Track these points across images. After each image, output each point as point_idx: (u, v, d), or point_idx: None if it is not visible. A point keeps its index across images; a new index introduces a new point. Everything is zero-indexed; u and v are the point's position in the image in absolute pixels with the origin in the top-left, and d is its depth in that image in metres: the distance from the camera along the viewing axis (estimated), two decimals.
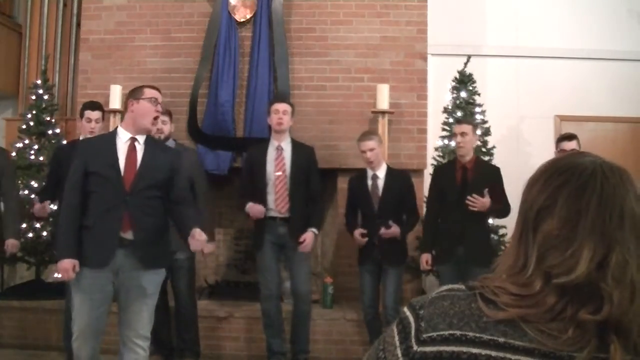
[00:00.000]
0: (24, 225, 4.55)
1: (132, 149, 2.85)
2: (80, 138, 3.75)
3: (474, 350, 0.77)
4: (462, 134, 3.73)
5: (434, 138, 4.90)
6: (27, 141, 4.81)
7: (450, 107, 4.82)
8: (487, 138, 4.74)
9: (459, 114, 4.75)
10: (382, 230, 3.70)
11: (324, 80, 4.70)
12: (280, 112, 3.84)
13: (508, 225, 4.40)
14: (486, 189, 3.61)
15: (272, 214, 3.81)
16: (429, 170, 4.80)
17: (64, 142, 4.87)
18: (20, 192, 4.61)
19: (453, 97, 4.83)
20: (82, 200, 2.80)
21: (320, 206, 3.97)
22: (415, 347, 0.81)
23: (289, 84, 4.60)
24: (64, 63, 5.78)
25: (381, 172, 3.86)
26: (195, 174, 3.88)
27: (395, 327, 0.86)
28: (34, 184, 4.64)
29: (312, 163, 3.96)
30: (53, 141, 4.84)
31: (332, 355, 4.24)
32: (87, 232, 2.77)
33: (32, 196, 4.59)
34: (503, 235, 4.52)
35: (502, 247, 4.39)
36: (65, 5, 5.78)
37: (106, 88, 4.70)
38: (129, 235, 2.78)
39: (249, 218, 3.91)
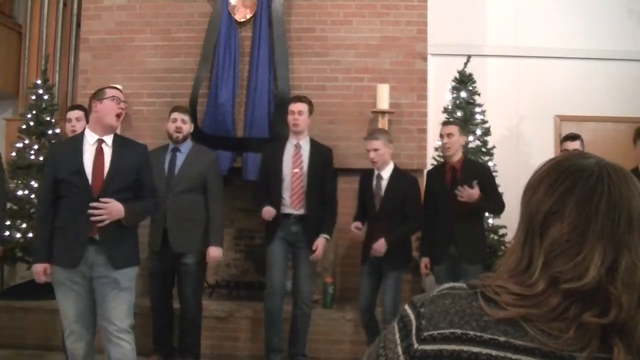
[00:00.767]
0: (23, 225, 4.55)
1: (99, 152, 2.90)
2: None
3: (475, 349, 0.77)
4: (449, 135, 3.75)
5: (434, 138, 4.89)
6: (27, 141, 4.81)
7: (450, 107, 4.82)
8: (487, 138, 4.74)
9: (459, 114, 4.75)
10: (372, 250, 3.65)
11: (324, 80, 4.70)
12: (296, 112, 3.85)
13: (508, 225, 4.40)
14: (475, 181, 3.61)
15: (287, 210, 3.81)
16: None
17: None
18: (20, 192, 4.62)
19: (453, 97, 4.83)
20: (55, 204, 2.88)
21: (334, 211, 3.96)
22: (416, 345, 0.81)
23: (289, 84, 4.60)
24: (64, 63, 5.78)
25: (386, 173, 3.80)
26: (211, 178, 3.86)
27: (396, 324, 0.86)
28: (34, 184, 4.64)
29: (329, 164, 3.96)
30: (53, 141, 4.84)
31: (332, 355, 4.24)
32: (59, 232, 2.87)
33: (32, 196, 4.61)
34: (503, 236, 4.52)
35: (502, 247, 4.39)
36: (65, 5, 5.78)
37: None
38: (96, 237, 2.85)
39: (261, 219, 3.91)
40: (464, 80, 4.83)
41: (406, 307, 0.86)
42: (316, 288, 4.51)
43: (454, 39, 5.31)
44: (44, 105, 4.92)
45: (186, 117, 3.91)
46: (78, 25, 5.44)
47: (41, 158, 4.71)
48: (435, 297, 0.84)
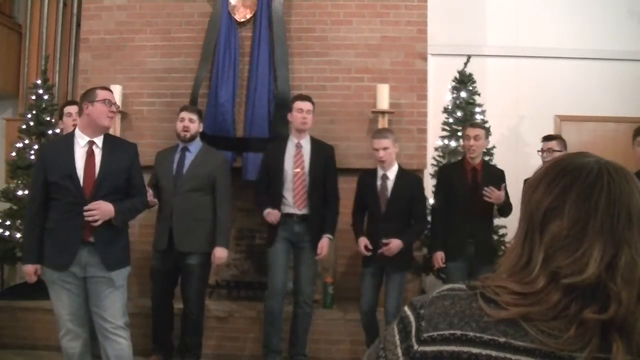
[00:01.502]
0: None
1: (90, 154, 2.89)
2: None
3: (475, 350, 0.77)
4: (476, 137, 3.84)
5: (434, 138, 4.90)
6: (27, 141, 4.81)
7: (450, 107, 4.83)
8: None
9: (459, 114, 4.75)
10: (383, 248, 3.59)
11: (324, 80, 4.70)
12: (305, 111, 3.84)
13: (508, 225, 4.41)
14: (503, 184, 3.73)
15: (289, 210, 3.81)
16: (429, 170, 4.80)
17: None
18: (20, 192, 4.62)
19: (453, 97, 4.83)
20: (45, 205, 2.89)
21: (337, 209, 3.94)
22: (415, 347, 0.81)
23: (289, 84, 4.60)
24: (64, 63, 5.78)
25: (392, 173, 3.77)
26: (220, 178, 3.85)
27: (395, 326, 0.86)
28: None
29: (330, 162, 3.95)
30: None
31: (332, 355, 4.24)
32: (50, 234, 2.87)
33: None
34: (503, 236, 4.52)
35: (502, 247, 4.39)
36: (65, 5, 5.78)
37: None
38: (90, 239, 2.85)
39: (264, 220, 3.91)
40: (464, 80, 4.83)
41: (406, 308, 0.86)
42: (316, 288, 4.51)
43: (454, 39, 5.31)
44: (44, 105, 4.92)
45: (194, 117, 3.90)
46: (78, 25, 5.44)
47: None
48: (435, 298, 0.84)
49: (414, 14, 4.71)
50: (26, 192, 4.62)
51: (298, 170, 3.82)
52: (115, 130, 4.52)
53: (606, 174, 0.80)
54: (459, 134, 4.74)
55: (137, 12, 4.83)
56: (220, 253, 3.79)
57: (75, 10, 5.71)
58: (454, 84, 4.86)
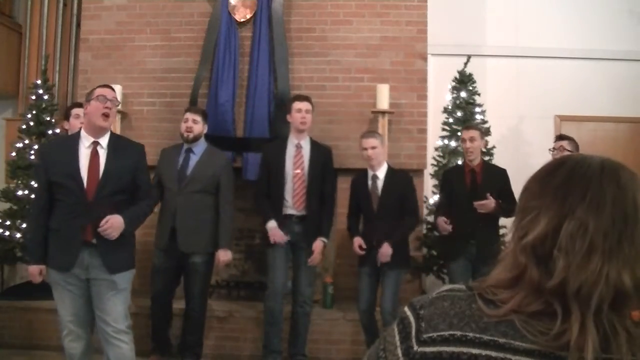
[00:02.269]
0: (24, 225, 4.54)
1: (94, 155, 2.85)
2: None
3: (474, 351, 0.77)
4: (471, 139, 3.85)
5: (434, 138, 4.90)
6: (27, 141, 4.81)
7: (450, 107, 4.83)
8: (487, 138, 4.73)
9: (459, 114, 4.75)
10: (380, 256, 3.67)
11: (324, 80, 4.70)
12: (304, 110, 3.85)
13: (509, 225, 4.40)
14: (488, 193, 3.72)
15: (289, 211, 3.81)
16: (429, 170, 4.81)
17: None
18: (20, 192, 4.62)
19: (453, 97, 4.83)
20: (49, 205, 2.86)
21: (332, 211, 3.96)
22: (415, 347, 0.81)
23: (289, 84, 4.60)
24: (64, 63, 5.78)
25: (381, 173, 3.85)
26: (223, 180, 3.86)
27: (395, 326, 0.86)
28: (34, 184, 4.63)
29: (328, 163, 3.97)
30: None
31: (332, 355, 4.23)
32: (54, 234, 2.85)
33: (32, 196, 4.61)
34: (503, 236, 4.51)
35: (502, 247, 4.39)
36: (65, 5, 5.78)
37: None
38: (92, 240, 2.82)
39: (263, 220, 3.92)
40: (464, 80, 4.83)
41: (406, 309, 0.86)
42: (316, 288, 4.51)
43: (454, 39, 5.31)
44: (44, 105, 4.92)
45: (198, 118, 3.90)
46: (78, 25, 5.44)
47: None
48: (435, 299, 0.84)
49: (414, 14, 4.72)
50: (26, 192, 4.62)
51: (298, 171, 3.83)
52: (115, 130, 4.51)
53: (576, 158, 0.84)
54: (459, 134, 4.74)
55: (137, 12, 4.84)
56: (223, 256, 3.81)
57: (75, 10, 5.71)
58: (454, 84, 4.86)
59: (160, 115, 4.72)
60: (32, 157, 4.74)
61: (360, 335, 4.05)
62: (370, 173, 3.86)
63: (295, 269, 3.92)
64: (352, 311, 4.26)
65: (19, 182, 4.69)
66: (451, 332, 0.79)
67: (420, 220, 4.03)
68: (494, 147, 4.73)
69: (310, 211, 3.82)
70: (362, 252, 3.77)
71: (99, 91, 2.89)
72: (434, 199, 4.71)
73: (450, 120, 4.80)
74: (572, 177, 0.81)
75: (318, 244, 3.81)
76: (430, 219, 4.70)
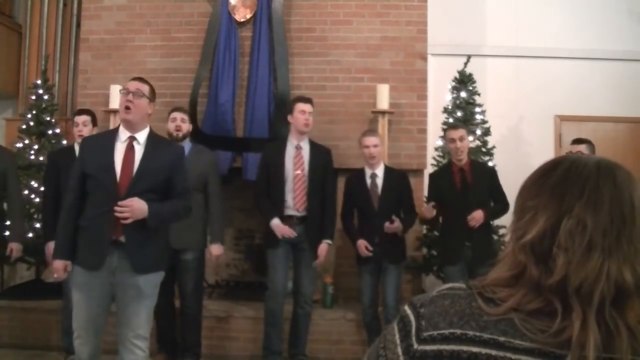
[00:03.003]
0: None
1: (129, 150, 2.78)
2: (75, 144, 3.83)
3: (474, 349, 0.77)
4: (461, 138, 3.80)
5: (434, 138, 4.90)
6: (27, 141, 4.81)
7: (450, 107, 4.82)
8: (487, 138, 4.74)
9: (459, 114, 4.75)
10: (386, 225, 3.70)
11: (324, 80, 4.71)
12: (307, 112, 3.84)
13: (508, 225, 4.40)
14: (471, 216, 3.68)
15: (289, 212, 3.81)
16: (429, 170, 4.80)
17: (64, 144, 4.88)
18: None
19: (453, 97, 4.83)
20: (81, 200, 2.78)
21: (334, 212, 3.96)
22: (415, 346, 0.81)
23: (289, 84, 4.60)
24: (64, 63, 5.79)
25: (380, 171, 3.88)
26: (211, 177, 3.89)
27: (396, 325, 0.86)
28: (34, 183, 4.64)
29: (328, 164, 3.96)
30: (53, 141, 4.84)
31: (332, 355, 4.23)
32: (83, 232, 2.76)
33: (32, 196, 4.61)
34: (503, 236, 4.52)
35: (502, 247, 4.39)
36: (65, 5, 5.78)
37: (106, 88, 4.70)
38: (122, 238, 2.73)
39: (263, 220, 3.92)
40: (464, 80, 4.83)
41: (406, 307, 0.86)
42: (316, 288, 4.51)
43: (454, 39, 5.32)
44: (44, 105, 4.92)
45: (185, 117, 3.94)
46: (78, 25, 5.44)
47: (41, 158, 4.71)
48: (435, 297, 0.84)
49: (414, 14, 4.72)
50: (26, 192, 4.62)
51: (298, 172, 3.83)
52: None
53: (572, 158, 0.85)
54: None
55: (137, 12, 4.84)
56: (216, 250, 3.83)
57: (75, 10, 5.71)
58: (454, 84, 4.86)
59: (160, 115, 4.70)
60: (32, 157, 4.74)
61: (360, 335, 4.05)
62: (368, 172, 3.88)
63: (297, 270, 3.92)
64: (352, 311, 4.27)
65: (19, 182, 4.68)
66: (451, 331, 0.79)
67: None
68: (494, 147, 4.72)
69: (311, 212, 3.82)
70: (370, 253, 3.77)
71: (126, 85, 2.85)
72: None
73: (450, 120, 4.80)
74: (568, 176, 0.82)
75: (323, 247, 3.81)
76: None
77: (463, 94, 4.80)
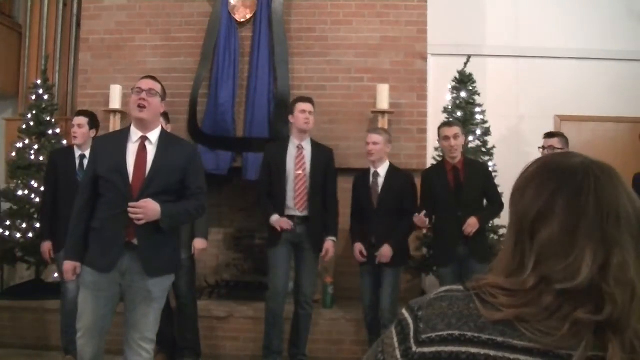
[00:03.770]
0: (24, 225, 4.55)
1: (141, 150, 2.73)
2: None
3: (473, 350, 0.77)
4: (455, 136, 3.76)
5: (434, 138, 4.88)
6: (27, 141, 4.81)
7: (450, 107, 4.82)
8: (487, 138, 4.74)
9: (459, 114, 4.75)
10: (379, 257, 3.71)
11: (324, 80, 4.71)
12: (307, 112, 3.84)
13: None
14: (467, 224, 3.66)
15: (290, 212, 3.81)
16: None
17: (65, 144, 4.88)
18: (20, 192, 4.62)
19: (453, 97, 4.83)
20: (93, 201, 2.75)
21: (336, 211, 3.95)
22: (414, 348, 0.81)
23: (289, 84, 4.60)
24: (64, 63, 5.78)
25: (382, 170, 3.85)
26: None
27: (394, 328, 0.86)
28: (34, 183, 4.64)
29: (330, 165, 3.95)
30: (53, 141, 4.84)
31: (332, 355, 4.23)
32: (95, 234, 2.73)
33: (32, 196, 4.61)
34: (503, 235, 4.52)
35: (502, 247, 4.39)
36: (65, 5, 5.78)
37: (106, 88, 4.70)
38: (134, 241, 2.70)
39: (264, 220, 3.92)
40: (464, 80, 4.83)
41: (404, 311, 0.86)
42: (316, 288, 4.51)
43: (454, 39, 5.31)
44: (44, 105, 4.91)
45: (161, 119, 3.89)
46: (78, 25, 5.44)
47: (41, 158, 4.71)
48: (433, 299, 0.84)
49: (414, 14, 4.72)
50: (26, 192, 4.62)
51: (300, 172, 3.83)
52: (116, 129, 4.52)
53: (593, 176, 0.80)
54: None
55: (137, 12, 4.84)
56: (200, 244, 3.84)
57: (75, 10, 5.71)
58: (454, 84, 4.86)
59: None
60: (32, 157, 4.74)
61: (360, 335, 4.05)
62: (372, 170, 3.87)
63: (298, 270, 3.92)
64: (352, 311, 4.27)
65: (19, 182, 4.69)
66: (449, 332, 0.79)
67: None
68: (494, 147, 4.72)
69: (312, 212, 3.82)
70: (363, 259, 3.80)
71: (138, 83, 2.80)
72: None
73: (450, 120, 4.79)
74: (601, 202, 0.80)
75: (329, 244, 3.81)
76: None
77: (463, 94, 4.79)
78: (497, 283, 0.81)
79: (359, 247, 3.82)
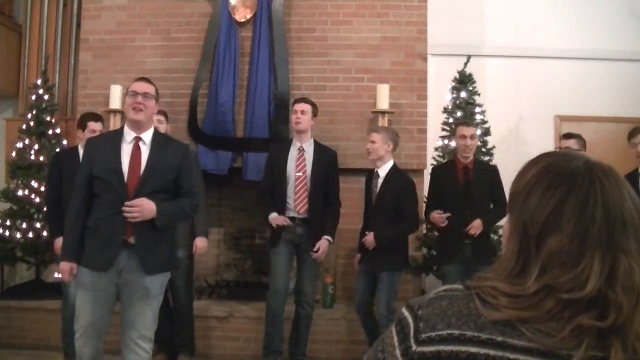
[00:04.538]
0: (24, 225, 4.55)
1: (136, 150, 2.78)
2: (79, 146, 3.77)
3: (473, 350, 0.77)
4: (472, 136, 3.82)
5: (434, 138, 4.90)
6: (27, 141, 4.81)
7: (450, 107, 4.83)
8: (487, 138, 4.74)
9: (459, 114, 4.75)
10: (366, 242, 3.72)
11: (324, 80, 4.70)
12: (299, 112, 3.84)
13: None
14: (471, 225, 3.71)
15: (291, 214, 3.81)
16: (428, 170, 4.80)
17: (65, 144, 4.88)
18: (20, 192, 4.63)
19: (453, 97, 4.83)
20: (88, 201, 2.78)
21: (337, 212, 3.94)
22: (414, 347, 0.81)
23: (289, 84, 4.60)
24: (64, 63, 5.78)
25: (383, 170, 3.80)
26: (193, 175, 3.91)
27: (394, 327, 0.86)
28: (34, 183, 4.64)
29: (332, 166, 3.93)
30: (53, 141, 4.84)
31: (332, 355, 4.24)
32: (91, 234, 2.75)
33: (32, 196, 4.61)
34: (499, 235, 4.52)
35: (503, 249, 4.39)
36: (65, 5, 5.78)
37: (106, 88, 4.70)
38: (131, 239, 2.73)
39: (264, 220, 3.92)
40: (463, 80, 4.83)
41: (403, 310, 0.86)
42: (316, 288, 4.51)
43: (454, 39, 5.31)
44: (44, 105, 4.92)
45: (162, 118, 3.89)
46: (78, 25, 5.44)
47: (41, 158, 4.72)
48: (433, 299, 0.84)
49: (414, 14, 4.71)
50: (26, 192, 4.63)
51: (300, 174, 3.82)
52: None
53: (598, 182, 0.80)
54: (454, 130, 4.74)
55: (137, 12, 4.84)
56: (201, 243, 3.84)
57: (75, 10, 5.71)
58: (454, 84, 4.86)
59: None
60: (32, 157, 4.74)
61: (360, 335, 4.05)
62: (375, 170, 3.85)
63: (299, 270, 3.91)
64: (352, 311, 4.26)
65: (19, 182, 4.69)
66: (449, 331, 0.79)
67: (418, 225, 3.94)
68: (493, 147, 4.72)
69: (313, 214, 3.81)
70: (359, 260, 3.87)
71: (131, 86, 2.84)
72: None
73: (450, 120, 4.80)
74: (607, 209, 0.79)
75: (323, 242, 3.78)
76: None
77: (463, 94, 4.80)
78: (497, 286, 0.80)
79: (357, 257, 3.91)
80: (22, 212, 4.62)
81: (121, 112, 4.65)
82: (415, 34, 4.71)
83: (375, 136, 3.78)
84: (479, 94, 4.84)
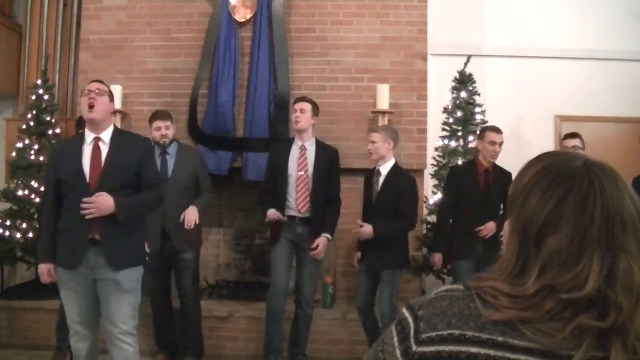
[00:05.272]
0: (24, 225, 4.55)
1: (96, 150, 2.87)
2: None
3: (473, 350, 0.77)
4: (501, 143, 3.93)
5: (434, 138, 4.89)
6: (27, 141, 4.81)
7: (450, 107, 4.82)
8: None
9: (459, 114, 4.76)
10: (360, 233, 3.74)
11: (324, 80, 4.70)
12: (298, 110, 3.84)
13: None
14: (484, 226, 3.83)
15: (292, 213, 3.81)
16: (429, 170, 4.81)
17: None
18: (20, 192, 4.63)
19: (453, 97, 4.83)
20: (57, 204, 2.89)
21: (338, 211, 3.95)
22: (414, 348, 0.81)
23: (289, 84, 4.60)
24: (64, 63, 5.77)
25: (384, 169, 3.79)
26: (201, 174, 3.97)
27: (394, 327, 0.86)
28: (34, 183, 4.64)
29: (334, 165, 3.94)
30: (53, 141, 4.84)
31: (332, 355, 4.24)
32: (61, 234, 2.86)
33: (32, 196, 4.61)
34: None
35: (502, 248, 4.39)
36: (65, 5, 5.77)
37: None
38: (97, 236, 2.81)
39: (266, 222, 3.91)
40: (463, 80, 4.83)
41: (404, 310, 0.86)
42: (316, 288, 4.51)
43: (454, 39, 5.31)
44: (44, 105, 4.92)
45: (168, 122, 3.92)
46: (78, 25, 5.44)
47: (41, 158, 4.71)
48: (433, 299, 0.84)
49: (414, 14, 4.71)
50: (26, 192, 4.62)
51: (301, 173, 3.82)
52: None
53: (597, 181, 0.80)
54: (459, 134, 4.74)
55: (137, 12, 4.83)
56: (190, 213, 3.76)
57: (75, 10, 5.70)
58: (454, 84, 4.86)
59: None
60: (32, 157, 4.74)
61: (360, 335, 4.05)
62: (376, 168, 3.85)
63: (299, 269, 3.91)
64: (352, 311, 4.26)
65: (19, 182, 4.69)
66: (450, 332, 0.79)
67: (415, 224, 3.92)
68: None
69: (314, 213, 3.81)
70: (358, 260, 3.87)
71: (87, 87, 2.93)
72: (434, 199, 4.71)
73: (450, 120, 4.80)
74: (606, 209, 0.79)
75: (322, 240, 3.76)
76: (431, 218, 4.70)
77: (463, 94, 4.80)
78: (498, 286, 0.80)
79: (357, 256, 3.91)
80: (22, 212, 4.62)
81: (121, 112, 4.65)
82: (415, 34, 4.71)
83: (375, 136, 3.77)
84: (479, 94, 4.84)
